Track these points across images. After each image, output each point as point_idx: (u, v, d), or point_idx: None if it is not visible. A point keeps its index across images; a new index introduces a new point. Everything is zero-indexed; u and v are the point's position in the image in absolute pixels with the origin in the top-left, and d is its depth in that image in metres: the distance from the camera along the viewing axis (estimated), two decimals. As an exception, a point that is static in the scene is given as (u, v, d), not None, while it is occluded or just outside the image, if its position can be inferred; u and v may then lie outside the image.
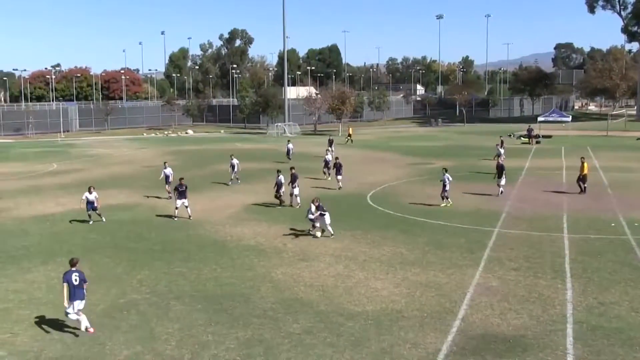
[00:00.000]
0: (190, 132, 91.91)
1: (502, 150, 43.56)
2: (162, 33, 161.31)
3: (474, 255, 20.37)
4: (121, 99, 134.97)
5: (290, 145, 48.67)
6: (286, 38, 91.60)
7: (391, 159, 49.25)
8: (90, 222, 26.09)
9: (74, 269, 14.58)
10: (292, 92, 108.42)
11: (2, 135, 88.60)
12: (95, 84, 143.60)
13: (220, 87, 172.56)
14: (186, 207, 26.68)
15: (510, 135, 68.82)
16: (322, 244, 22.23)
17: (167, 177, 32.37)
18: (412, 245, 21.90)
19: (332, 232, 23.04)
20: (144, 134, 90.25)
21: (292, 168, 30.75)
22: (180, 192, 26.78)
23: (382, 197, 31.57)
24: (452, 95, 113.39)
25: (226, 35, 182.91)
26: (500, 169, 31.75)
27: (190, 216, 26.74)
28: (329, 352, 13.20)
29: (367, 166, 44.22)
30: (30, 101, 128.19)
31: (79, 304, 14.31)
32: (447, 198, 29.09)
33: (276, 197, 29.53)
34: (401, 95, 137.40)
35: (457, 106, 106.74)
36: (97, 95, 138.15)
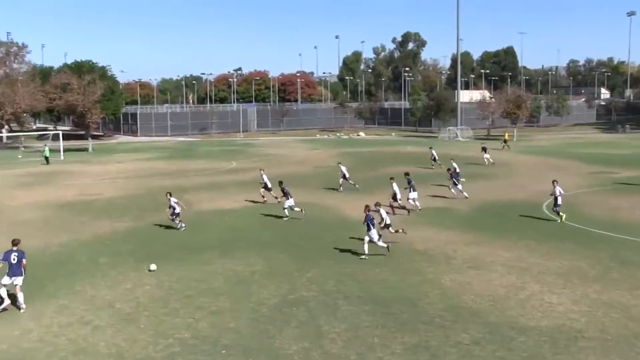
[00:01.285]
0: (361, 134, 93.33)
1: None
2: (337, 37, 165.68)
3: (666, 276, 18.47)
4: (296, 101, 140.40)
5: (434, 152, 47.05)
6: (460, 41, 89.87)
7: (570, 167, 46.30)
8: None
9: (14, 248, 16.43)
10: (465, 96, 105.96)
11: (190, 134, 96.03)
12: (272, 86, 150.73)
13: (392, 90, 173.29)
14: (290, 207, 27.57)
15: None
16: (494, 252, 21.40)
17: (265, 183, 32.00)
18: (593, 259, 20.36)
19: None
20: (317, 135, 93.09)
21: (406, 174, 30.41)
22: (286, 193, 27.78)
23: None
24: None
25: (399, 39, 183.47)
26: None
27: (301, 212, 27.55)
28: (499, 367, 12.63)
29: (543, 173, 41.96)
30: (215, 103, 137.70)
31: (18, 280, 16.15)
32: (557, 213, 26.56)
33: (391, 205, 27.92)
34: (583, 99, 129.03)
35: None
36: (274, 97, 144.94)
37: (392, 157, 53.29)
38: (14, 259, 16.34)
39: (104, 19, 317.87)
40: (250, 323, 15.14)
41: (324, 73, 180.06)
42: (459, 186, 32.21)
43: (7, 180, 43.97)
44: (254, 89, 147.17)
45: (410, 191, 29.06)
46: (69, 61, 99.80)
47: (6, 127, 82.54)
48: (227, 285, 18.21)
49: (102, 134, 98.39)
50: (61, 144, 63.52)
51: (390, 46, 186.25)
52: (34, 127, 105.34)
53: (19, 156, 62.92)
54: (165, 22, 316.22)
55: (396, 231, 22.40)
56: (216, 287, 18.08)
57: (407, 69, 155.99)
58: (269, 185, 31.71)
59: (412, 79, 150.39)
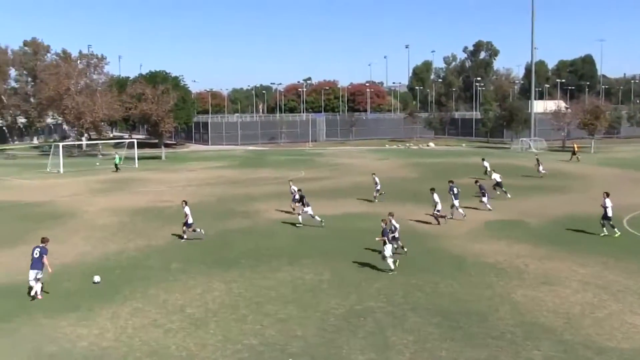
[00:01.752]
0: (431, 144, 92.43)
1: None
2: (407, 47, 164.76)
3: None
4: (365, 110, 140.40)
5: (486, 163, 46.54)
6: (534, 49, 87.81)
7: (652, 181, 44.40)
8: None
9: (41, 244, 18.51)
10: (539, 106, 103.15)
11: (260, 143, 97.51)
12: (341, 96, 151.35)
13: (462, 100, 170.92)
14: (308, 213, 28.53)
15: None
16: (568, 268, 20.80)
17: (293, 195, 31.92)
18: (677, 278, 19.48)
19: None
20: (386, 145, 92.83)
21: (450, 181, 30.87)
22: (302, 200, 28.90)
23: (641, 222, 28.61)
24: None
25: (470, 48, 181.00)
26: None
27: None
28: (573, 386, 12.27)
29: (624, 187, 40.44)
30: (284, 112, 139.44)
31: (38, 273, 18.09)
32: (609, 227, 25.75)
33: (435, 216, 28.52)
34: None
35: None
36: (343, 107, 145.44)
37: (461, 168, 52.49)
38: (36, 254, 18.37)
39: (178, 30, 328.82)
40: (317, 332, 15.27)
41: (393, 83, 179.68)
42: (485, 199, 32.31)
43: (86, 186, 45.84)
44: (323, 99, 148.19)
45: (453, 199, 29.59)
46: (144, 71, 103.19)
47: (86, 135, 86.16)
48: (295, 293, 18.42)
49: (174, 142, 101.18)
50: (136, 152, 65.72)
51: (462, 55, 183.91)
52: (111, 136, 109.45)
53: (97, 163, 65.45)
54: (236, 33, 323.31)
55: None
56: (284, 294, 18.32)
57: (478, 78, 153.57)
58: (297, 197, 30.68)
59: (483, 88, 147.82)
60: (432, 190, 28.87)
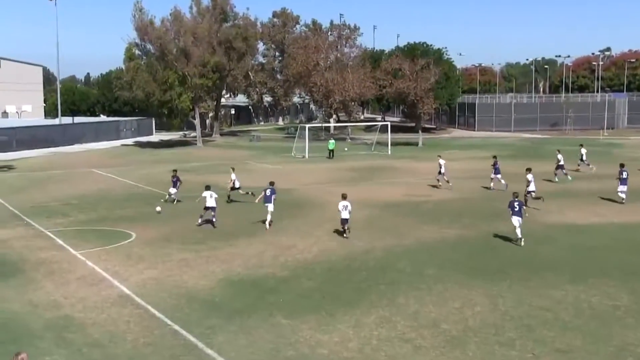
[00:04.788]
0: None
1: None
2: None
3: None
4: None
5: (583, 150, 48.74)
6: None
7: None
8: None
9: (270, 187, 29.65)
10: None
11: (538, 130, 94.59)
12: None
13: None
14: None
15: None
16: None
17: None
18: None
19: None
20: None
21: (528, 169, 33.95)
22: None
23: None
24: None
25: None
26: None
27: None
28: None
29: None
30: (571, 92, 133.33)
31: (270, 206, 29.09)
32: None
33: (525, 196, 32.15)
34: None
35: None
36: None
37: None
38: (268, 193, 29.35)
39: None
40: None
41: None
42: (499, 176, 39.36)
43: (331, 173, 48.37)
44: (626, 75, 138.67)
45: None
46: (401, 44, 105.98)
47: (334, 116, 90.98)
48: (578, 318, 17.49)
49: (434, 126, 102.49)
50: (389, 136, 67.72)
51: None
52: (362, 118, 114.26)
53: (345, 149, 68.75)
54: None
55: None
56: (564, 319, 17.49)
57: None
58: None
59: None
60: (528, 170, 33.66)
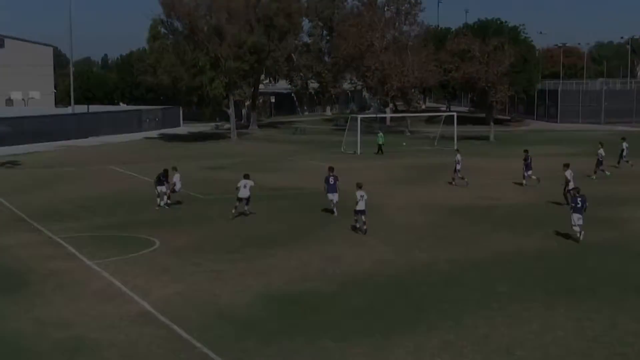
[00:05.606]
0: None
1: None
2: None
3: None
4: None
5: (625, 145, 49.57)
6: None
7: None
8: None
9: (332, 174, 31.66)
10: None
11: (634, 122, 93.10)
12: None
13: None
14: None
15: None
16: None
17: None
18: None
19: None
20: None
21: (566, 165, 35.20)
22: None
23: None
24: None
25: None
26: None
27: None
28: None
29: None
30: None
31: (334, 196, 31.60)
32: None
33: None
34: None
35: None
36: None
37: None
38: (331, 181, 31.59)
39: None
40: None
41: None
42: (530, 172, 41.34)
43: (387, 172, 48.21)
44: None
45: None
46: (471, 21, 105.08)
47: (390, 105, 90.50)
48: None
49: (508, 118, 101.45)
50: (455, 129, 67.24)
51: None
52: (423, 107, 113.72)
53: (404, 143, 68.53)
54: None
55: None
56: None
57: None
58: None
59: None
60: (566, 165, 34.96)
